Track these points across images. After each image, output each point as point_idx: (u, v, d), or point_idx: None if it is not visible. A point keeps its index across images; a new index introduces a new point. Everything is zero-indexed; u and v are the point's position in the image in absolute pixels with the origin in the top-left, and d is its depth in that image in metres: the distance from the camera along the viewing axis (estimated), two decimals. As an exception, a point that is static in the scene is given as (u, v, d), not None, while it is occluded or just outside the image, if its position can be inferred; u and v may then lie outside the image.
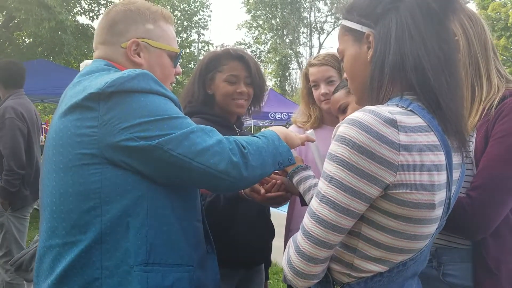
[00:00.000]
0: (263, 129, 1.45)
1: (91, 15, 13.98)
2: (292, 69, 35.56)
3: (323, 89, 2.00)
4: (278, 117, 11.77)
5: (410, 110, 0.96)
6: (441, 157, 0.95)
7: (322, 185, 0.96)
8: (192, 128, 1.14)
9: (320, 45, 38.35)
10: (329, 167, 0.94)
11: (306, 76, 2.11)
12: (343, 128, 0.94)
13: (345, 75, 1.18)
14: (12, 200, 3.36)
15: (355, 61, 1.11)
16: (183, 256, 1.21)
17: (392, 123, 0.90)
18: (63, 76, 7.70)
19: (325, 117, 2.11)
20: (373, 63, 1.04)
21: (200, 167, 1.11)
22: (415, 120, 0.94)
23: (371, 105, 0.98)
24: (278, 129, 1.40)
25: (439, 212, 0.98)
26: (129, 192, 1.12)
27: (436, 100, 0.98)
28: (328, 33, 38.94)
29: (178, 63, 1.42)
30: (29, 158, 3.40)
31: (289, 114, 11.41)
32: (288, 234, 2.06)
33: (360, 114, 0.93)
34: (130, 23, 1.30)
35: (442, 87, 0.98)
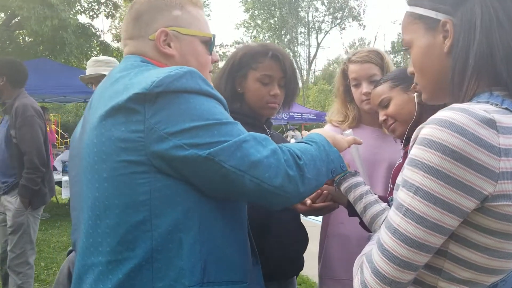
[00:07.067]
0: (303, 132, 1.31)
1: (91, 14, 13.89)
2: (291, 68, 35.55)
3: (365, 88, 1.82)
4: (279, 117, 11.62)
5: (506, 108, 0.83)
6: None
7: (405, 197, 0.82)
8: (245, 136, 1.01)
9: (318, 45, 38.60)
10: (413, 175, 0.81)
11: (344, 73, 1.94)
12: (429, 130, 0.80)
13: (410, 69, 1.05)
14: (33, 198, 3.34)
15: (427, 53, 0.97)
16: (237, 273, 1.09)
17: (490, 123, 0.77)
18: (64, 75, 7.61)
19: (363, 117, 1.95)
20: (454, 54, 0.90)
21: (254, 181, 0.98)
22: None
23: (449, 102, 0.85)
24: (325, 132, 1.26)
25: None
26: (179, 204, 0.99)
27: None
28: (326, 33, 39.09)
29: (213, 49, 1.28)
30: (47, 157, 3.44)
31: (289, 113, 11.29)
32: (324, 239, 1.92)
33: (450, 114, 0.79)
34: (156, 12, 1.17)
35: None
